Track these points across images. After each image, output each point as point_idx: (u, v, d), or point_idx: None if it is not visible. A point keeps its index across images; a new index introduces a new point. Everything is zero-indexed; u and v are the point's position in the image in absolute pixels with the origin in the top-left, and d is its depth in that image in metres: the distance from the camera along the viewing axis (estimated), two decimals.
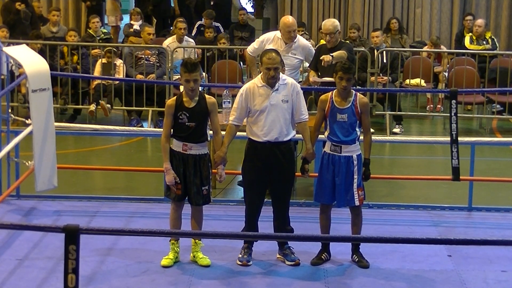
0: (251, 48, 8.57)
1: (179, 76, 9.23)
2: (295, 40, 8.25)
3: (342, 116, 6.37)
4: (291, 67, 8.21)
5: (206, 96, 6.40)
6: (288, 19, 8.32)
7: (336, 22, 8.41)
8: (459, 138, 7.47)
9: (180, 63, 6.52)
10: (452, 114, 7.40)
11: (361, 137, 6.49)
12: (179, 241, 6.45)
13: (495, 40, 13.09)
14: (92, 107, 11.30)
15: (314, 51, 8.53)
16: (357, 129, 6.41)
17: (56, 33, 12.37)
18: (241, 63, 12.64)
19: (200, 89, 6.45)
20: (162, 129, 6.50)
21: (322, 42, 11.99)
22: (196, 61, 6.42)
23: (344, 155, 6.38)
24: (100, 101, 11.27)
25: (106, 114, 11.32)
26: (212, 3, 15.47)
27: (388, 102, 11.68)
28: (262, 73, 6.40)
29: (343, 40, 8.97)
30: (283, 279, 6.23)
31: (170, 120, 6.32)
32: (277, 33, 8.34)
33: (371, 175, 6.49)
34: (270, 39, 8.31)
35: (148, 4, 15.05)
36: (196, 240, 6.44)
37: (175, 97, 6.42)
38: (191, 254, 6.47)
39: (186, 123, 6.28)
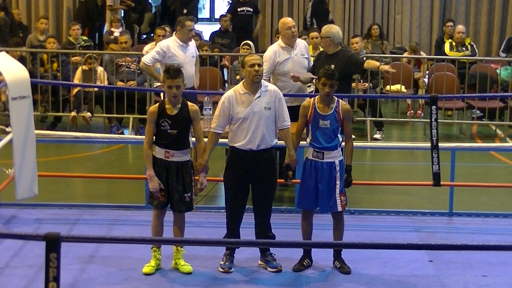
0: (265, 72, 7.65)
1: (159, 84, 9.21)
2: (296, 40, 8.29)
3: (324, 123, 6.38)
4: (305, 68, 8.29)
5: (189, 103, 6.37)
6: (286, 18, 8.45)
7: (331, 29, 8.13)
8: (440, 144, 7.51)
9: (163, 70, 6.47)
10: (433, 120, 7.43)
11: (343, 144, 6.51)
12: (161, 248, 6.43)
13: (474, 46, 13.18)
14: (74, 113, 11.24)
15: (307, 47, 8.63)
16: (339, 136, 6.42)
17: (43, 42, 12.29)
18: (222, 70, 12.62)
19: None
20: (143, 136, 6.47)
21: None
22: (179, 67, 6.37)
23: (326, 161, 6.39)
24: (79, 113, 11.19)
25: (87, 123, 11.28)
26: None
27: (368, 108, 11.72)
28: (244, 79, 6.39)
29: (347, 49, 8.80)
30: (265, 286, 6.23)
31: (152, 127, 6.29)
32: (278, 44, 8.32)
33: (352, 181, 6.51)
34: (275, 52, 8.22)
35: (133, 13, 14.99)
36: (178, 247, 6.43)
37: (158, 104, 6.39)
38: (173, 261, 6.45)
39: (168, 130, 6.26)
